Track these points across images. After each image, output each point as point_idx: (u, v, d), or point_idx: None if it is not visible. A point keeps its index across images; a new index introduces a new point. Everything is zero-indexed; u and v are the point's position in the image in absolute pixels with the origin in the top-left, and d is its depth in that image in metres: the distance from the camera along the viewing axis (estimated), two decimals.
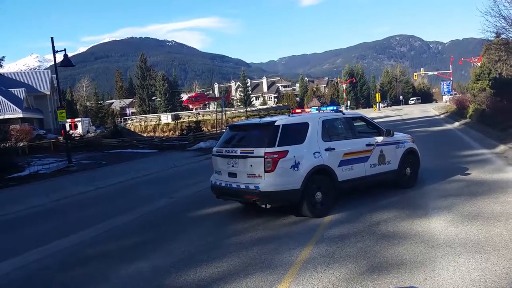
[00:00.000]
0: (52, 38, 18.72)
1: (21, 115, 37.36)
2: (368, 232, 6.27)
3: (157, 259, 5.95)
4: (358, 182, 8.01)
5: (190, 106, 72.11)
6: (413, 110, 52.29)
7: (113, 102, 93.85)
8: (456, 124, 25.71)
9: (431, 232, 6.03)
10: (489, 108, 21.55)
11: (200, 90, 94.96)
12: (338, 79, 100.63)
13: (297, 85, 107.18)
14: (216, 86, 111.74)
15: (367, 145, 8.20)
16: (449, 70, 69.05)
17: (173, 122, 54.63)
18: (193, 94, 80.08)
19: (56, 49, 18.61)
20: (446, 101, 57.41)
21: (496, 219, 6.35)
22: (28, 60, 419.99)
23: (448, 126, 25.60)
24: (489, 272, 4.53)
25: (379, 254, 5.36)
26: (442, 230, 6.07)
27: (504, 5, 21.85)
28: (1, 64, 22.54)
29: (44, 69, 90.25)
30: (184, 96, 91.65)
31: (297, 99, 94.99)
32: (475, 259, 4.91)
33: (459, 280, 4.41)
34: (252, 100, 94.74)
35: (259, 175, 7.02)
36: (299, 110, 10.51)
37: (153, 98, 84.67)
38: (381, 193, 8.49)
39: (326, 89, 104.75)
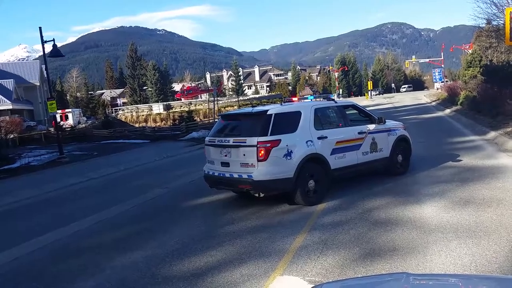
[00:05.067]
0: (40, 28, 18.47)
1: (10, 107, 36.94)
2: (361, 219, 6.32)
3: (151, 249, 5.95)
4: (351, 169, 8.04)
5: (183, 99, 71.62)
6: (405, 98, 52.51)
7: (103, 93, 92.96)
8: (448, 111, 25.86)
9: (423, 218, 6.09)
10: (480, 95, 21.65)
11: (192, 83, 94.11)
12: (330, 68, 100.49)
13: (289, 73, 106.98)
14: (208, 75, 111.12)
15: (359, 133, 8.22)
16: (441, 57, 69.25)
17: (165, 112, 54.32)
18: (186, 87, 79.54)
19: (45, 39, 18.38)
20: (438, 89, 57.63)
21: (487, 204, 6.42)
22: (17, 51, 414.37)
23: (440, 113, 25.76)
24: (479, 257, 4.59)
25: (372, 241, 5.41)
26: (434, 216, 6.13)
27: None
28: None
29: (33, 59, 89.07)
30: (176, 86, 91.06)
31: (290, 87, 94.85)
32: (466, 244, 4.97)
33: (450, 265, 4.47)
34: (244, 89, 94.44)
35: (252, 164, 7.02)
36: (295, 99, 10.43)
37: (144, 88, 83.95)
38: (374, 180, 8.54)
39: (318, 77, 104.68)
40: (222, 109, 42.50)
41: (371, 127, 8.49)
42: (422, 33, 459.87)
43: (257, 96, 74.60)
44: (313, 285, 2.27)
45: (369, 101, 53.51)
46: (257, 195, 7.30)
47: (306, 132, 7.41)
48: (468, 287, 2.13)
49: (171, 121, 41.88)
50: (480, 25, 24.98)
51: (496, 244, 4.88)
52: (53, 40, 18.50)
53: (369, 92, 68.79)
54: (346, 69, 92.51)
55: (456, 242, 5.05)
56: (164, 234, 6.63)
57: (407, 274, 2.25)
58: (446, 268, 4.41)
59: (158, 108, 58.80)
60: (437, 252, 4.84)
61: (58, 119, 27.51)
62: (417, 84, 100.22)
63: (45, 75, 30.82)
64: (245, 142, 7.11)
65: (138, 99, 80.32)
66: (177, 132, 27.44)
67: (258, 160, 6.95)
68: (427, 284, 2.25)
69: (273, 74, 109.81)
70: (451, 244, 5.02)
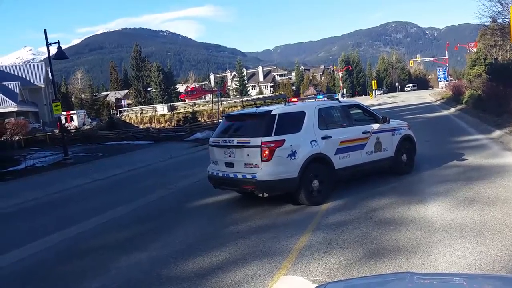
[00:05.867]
0: (45, 30, 18.51)
1: (16, 109, 37.15)
2: (365, 219, 6.30)
3: (156, 250, 5.97)
4: (355, 169, 8.03)
5: (187, 100, 71.78)
6: (409, 97, 52.34)
7: (108, 94, 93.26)
8: (452, 110, 25.75)
9: (428, 217, 6.06)
10: (485, 93, 21.56)
11: (196, 84, 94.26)
12: (334, 67, 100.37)
13: (293, 73, 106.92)
14: (212, 76, 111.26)
15: (363, 132, 8.21)
16: (445, 56, 68.96)
17: (169, 113, 54.38)
18: (190, 88, 79.73)
19: (49, 41, 18.38)
20: (442, 87, 57.45)
21: (492, 203, 6.39)
22: (22, 53, 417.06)
23: (444, 112, 25.65)
24: (484, 256, 4.57)
25: (376, 240, 5.40)
26: (439, 215, 6.11)
27: None
28: None
29: (38, 61, 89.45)
30: (180, 87, 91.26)
31: (293, 88, 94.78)
32: (471, 243, 4.95)
33: (455, 265, 4.45)
34: (248, 89, 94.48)
35: (256, 164, 7.03)
36: (295, 99, 10.49)
37: (149, 89, 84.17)
38: (378, 180, 8.52)
39: (322, 77, 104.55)
40: (226, 109, 42.56)
41: (376, 126, 8.47)
42: (427, 32, 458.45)
43: (261, 96, 74.59)
44: (317, 285, 2.27)
45: (373, 100, 53.37)
46: (261, 195, 7.30)
47: (310, 132, 7.41)
48: (473, 286, 2.12)
49: (175, 122, 41.95)
50: (485, 23, 24.94)
51: (501, 243, 4.85)
52: (58, 42, 18.54)
53: (373, 92, 68.64)
54: (350, 68, 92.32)
55: (460, 242, 5.03)
56: (169, 234, 6.64)
57: (412, 273, 2.25)
58: (451, 268, 4.39)
59: (162, 109, 58.91)
60: (442, 251, 4.82)
61: (63, 121, 27.63)
62: (422, 83, 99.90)
63: (50, 77, 30.97)
64: (249, 143, 7.11)
65: (143, 100, 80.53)
66: (181, 133, 27.49)
67: (262, 160, 6.95)
68: (431, 284, 2.25)
69: (277, 74, 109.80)
70: (456, 243, 5.00)
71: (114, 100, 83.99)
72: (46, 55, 19.45)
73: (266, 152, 6.92)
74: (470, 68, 36.54)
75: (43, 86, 46.76)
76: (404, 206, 6.75)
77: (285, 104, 8.61)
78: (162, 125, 48.73)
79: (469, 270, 4.28)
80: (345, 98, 52.13)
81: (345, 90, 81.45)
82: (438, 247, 4.95)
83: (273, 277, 4.66)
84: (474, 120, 17.83)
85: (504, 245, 4.81)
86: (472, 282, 2.21)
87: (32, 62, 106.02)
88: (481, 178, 8.01)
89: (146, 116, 56.28)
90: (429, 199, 6.97)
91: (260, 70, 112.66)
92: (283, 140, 7.04)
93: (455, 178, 8.28)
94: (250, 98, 66.89)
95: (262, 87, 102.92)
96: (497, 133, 13.28)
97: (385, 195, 7.49)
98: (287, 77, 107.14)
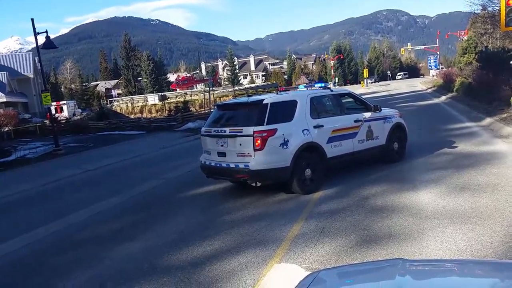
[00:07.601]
0: (33, 20, 18.21)
1: (4, 99, 36.68)
2: (357, 206, 6.35)
3: (149, 240, 5.97)
4: (347, 158, 8.06)
5: (178, 90, 71.29)
6: (401, 85, 52.51)
7: (98, 84, 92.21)
8: (443, 98, 25.89)
9: (419, 204, 6.12)
10: (475, 81, 21.68)
11: (187, 73, 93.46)
12: (326, 56, 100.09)
13: (285, 62, 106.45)
14: (203, 65, 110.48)
15: (355, 121, 8.23)
16: (436, 44, 69.19)
17: (160, 102, 54.04)
18: (181, 78, 79.07)
19: (37, 30, 18.12)
20: (433, 76, 57.59)
21: (482, 190, 6.47)
22: (9, 43, 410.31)
23: (435, 100, 25.79)
24: (475, 242, 4.63)
25: (368, 228, 5.45)
26: (430, 202, 6.17)
27: None
28: None
29: (26, 51, 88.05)
30: (171, 77, 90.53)
31: (285, 77, 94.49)
32: (462, 230, 5.01)
33: (446, 251, 4.50)
34: (239, 79, 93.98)
35: (248, 153, 7.03)
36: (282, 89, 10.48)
37: (139, 78, 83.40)
38: (370, 168, 8.57)
39: (314, 66, 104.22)
40: (218, 99, 42.37)
41: (367, 115, 8.49)
42: (418, 20, 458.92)
43: (252, 85, 74.37)
44: (311, 272, 2.29)
45: (365, 89, 53.46)
46: (254, 184, 7.31)
47: (302, 121, 7.41)
48: (463, 272, 2.15)
49: (166, 111, 41.79)
50: (476, 11, 24.99)
51: (491, 230, 4.92)
52: (46, 31, 18.28)
53: (365, 80, 68.76)
54: (341, 57, 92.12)
55: (451, 228, 5.09)
56: (162, 224, 6.64)
57: (403, 260, 2.26)
58: (442, 254, 4.45)
59: (153, 99, 58.50)
60: (433, 238, 4.88)
61: (53, 111, 27.35)
62: (413, 71, 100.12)
63: (39, 67, 30.53)
64: (241, 132, 7.10)
65: (133, 90, 79.82)
66: (173, 123, 27.41)
67: (255, 150, 6.95)
68: (423, 270, 2.27)
69: (269, 63, 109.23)
70: (447, 230, 5.06)
71: (104, 90, 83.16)
72: (34, 45, 19.18)
73: (259, 141, 6.92)
74: (461, 56, 36.67)
75: (32, 76, 46.13)
76: (396, 193, 6.81)
77: (277, 93, 8.60)
78: (153, 115, 48.38)
79: (460, 256, 4.34)
80: (336, 87, 52.19)
81: (336, 78, 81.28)
82: (429, 233, 5.01)
83: (267, 265, 4.68)
84: (465, 108, 17.96)
85: (494, 231, 4.88)
86: (463, 268, 2.24)
87: (20, 52, 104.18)
88: (471, 165, 8.09)
89: (137, 106, 55.82)
90: (421, 187, 7.04)
91: (251, 59, 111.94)
92: (275, 129, 7.04)
93: (446, 165, 8.35)
94: (241, 87, 66.69)
95: (254, 76, 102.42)
96: (487, 120, 13.40)
97: (377, 183, 7.54)
98: (278, 66, 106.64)
